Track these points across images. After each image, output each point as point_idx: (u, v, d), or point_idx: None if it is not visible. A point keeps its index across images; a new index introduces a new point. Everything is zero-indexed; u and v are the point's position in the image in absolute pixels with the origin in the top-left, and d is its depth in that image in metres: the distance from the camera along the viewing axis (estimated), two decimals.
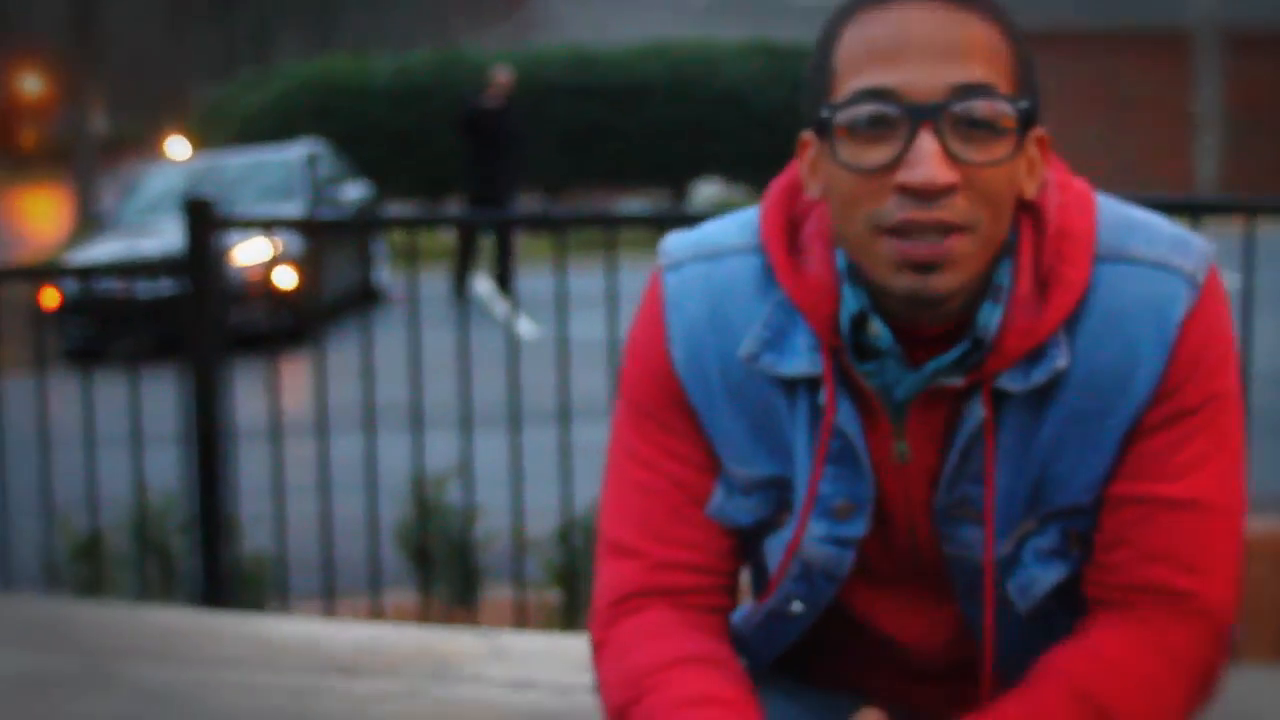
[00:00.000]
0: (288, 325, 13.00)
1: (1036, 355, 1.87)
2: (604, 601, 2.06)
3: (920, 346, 1.90)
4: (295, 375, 11.00)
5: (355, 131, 26.40)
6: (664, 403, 2.03)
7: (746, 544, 2.08)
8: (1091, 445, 1.91)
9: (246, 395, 5.74)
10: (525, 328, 13.75)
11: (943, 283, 1.79)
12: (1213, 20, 27.02)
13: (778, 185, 2.01)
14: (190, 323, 5.22)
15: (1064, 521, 1.95)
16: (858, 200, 1.80)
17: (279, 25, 49.35)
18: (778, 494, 2.01)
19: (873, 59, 1.80)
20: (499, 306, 16.11)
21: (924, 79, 1.78)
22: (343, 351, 6.21)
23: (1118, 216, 1.94)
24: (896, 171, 1.77)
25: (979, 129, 1.78)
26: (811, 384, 1.95)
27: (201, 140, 29.11)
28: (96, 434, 5.52)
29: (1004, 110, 1.80)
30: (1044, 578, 1.96)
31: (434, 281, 15.43)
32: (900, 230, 1.78)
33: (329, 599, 5.26)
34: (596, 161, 27.81)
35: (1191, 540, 1.91)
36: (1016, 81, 1.84)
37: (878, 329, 1.87)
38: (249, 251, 13.91)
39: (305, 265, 13.77)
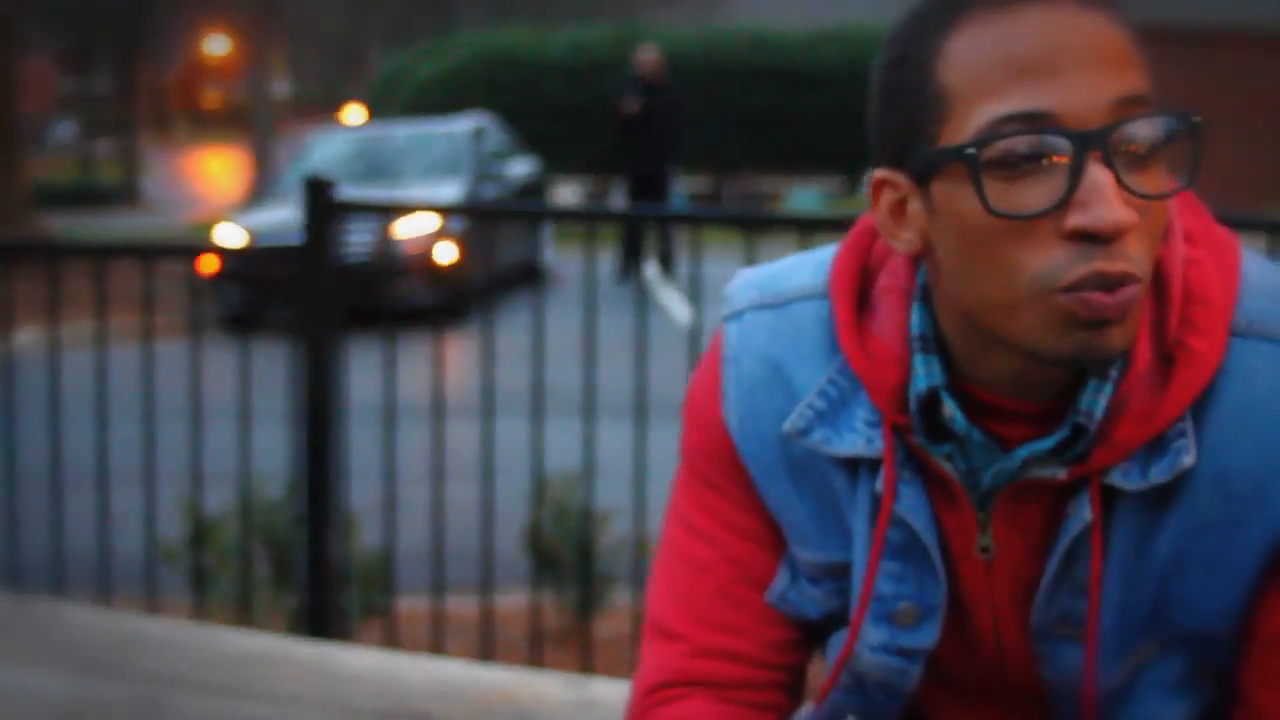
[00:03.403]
0: (448, 302, 12.89)
1: (1156, 448, 1.52)
2: (639, 689, 1.78)
3: (1008, 422, 1.57)
4: (455, 354, 10.86)
5: (528, 105, 26.33)
6: (721, 468, 1.73)
7: (817, 638, 1.77)
8: (1224, 562, 1.55)
9: (402, 374, 5.52)
10: (686, 314, 13.52)
11: (1120, 337, 1.45)
12: None
13: (861, 225, 1.69)
14: (306, 304, 5.02)
15: (1192, 649, 1.60)
16: (1012, 256, 1.45)
17: None
18: (849, 584, 1.69)
19: (1016, 75, 1.45)
20: (664, 291, 15.92)
21: (1085, 96, 1.43)
22: (505, 332, 5.97)
23: (1266, 280, 1.58)
24: (1064, 214, 1.43)
25: (1147, 155, 1.45)
26: (875, 465, 1.63)
27: (377, 108, 29.19)
28: (252, 405, 5.31)
29: (1173, 129, 1.46)
30: (1164, 716, 1.62)
31: (600, 263, 15.23)
32: (1079, 287, 1.43)
33: (438, 596, 5.04)
34: (769, 145, 27.48)
35: None
36: (1154, 93, 1.49)
37: (950, 411, 1.55)
38: (411, 225, 13.80)
39: (467, 242, 13.70)
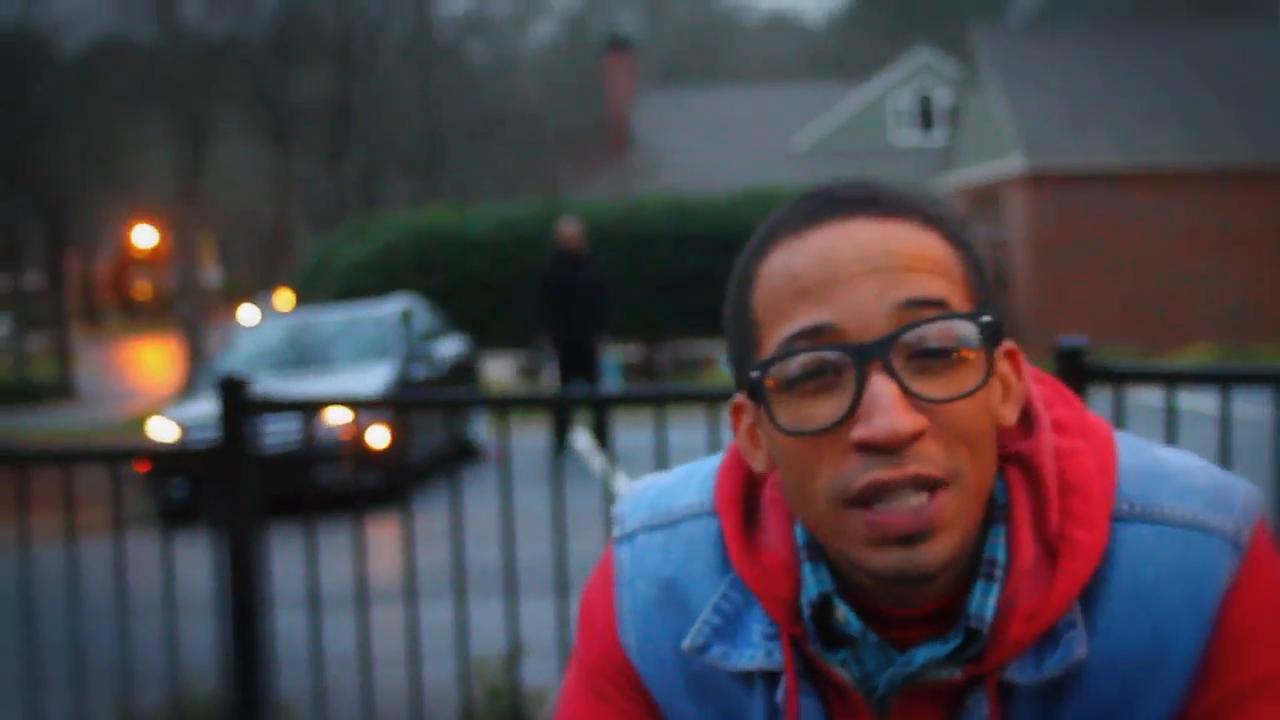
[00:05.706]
0: (380, 485, 12.97)
1: (1049, 640, 1.54)
2: None
3: (902, 627, 1.58)
4: (387, 535, 10.91)
5: (456, 282, 26.51)
6: (621, 686, 1.74)
7: None
8: None
9: (327, 560, 5.60)
10: (624, 485, 13.62)
11: (933, 552, 1.47)
12: None
13: (736, 441, 1.70)
14: (226, 500, 5.09)
15: None
16: (811, 469, 1.50)
17: (386, 174, 49.87)
18: None
19: (798, 296, 1.50)
20: (597, 461, 15.98)
21: (863, 306, 1.48)
22: (435, 513, 6.06)
23: (1142, 463, 1.61)
24: (851, 427, 1.47)
25: (939, 358, 1.48)
26: (771, 677, 1.64)
27: (306, 292, 29.26)
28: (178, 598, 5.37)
29: (965, 331, 1.49)
30: None
31: (532, 437, 15.31)
32: (869, 497, 1.47)
33: None
34: (696, 309, 27.62)
35: None
36: (972, 293, 1.54)
37: (844, 615, 1.57)
38: (341, 411, 13.86)
39: (399, 424, 13.70)
